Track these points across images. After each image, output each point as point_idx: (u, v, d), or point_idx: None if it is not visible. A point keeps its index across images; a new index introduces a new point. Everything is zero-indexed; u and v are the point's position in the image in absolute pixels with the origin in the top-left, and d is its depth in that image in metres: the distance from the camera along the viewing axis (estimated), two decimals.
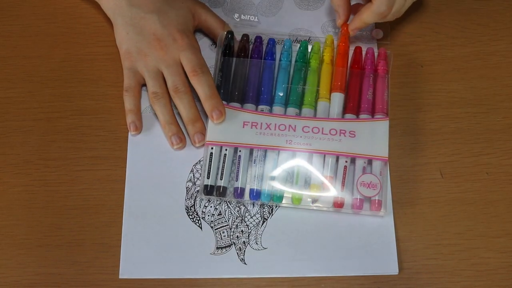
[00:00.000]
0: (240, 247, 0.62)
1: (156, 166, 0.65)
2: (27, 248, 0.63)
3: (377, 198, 0.62)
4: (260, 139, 0.63)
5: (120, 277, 0.61)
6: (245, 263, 0.61)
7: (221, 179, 0.63)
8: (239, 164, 0.63)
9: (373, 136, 0.63)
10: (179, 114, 0.66)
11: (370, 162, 0.63)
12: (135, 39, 0.66)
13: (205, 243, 0.62)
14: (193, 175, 0.65)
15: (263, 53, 0.68)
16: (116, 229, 0.63)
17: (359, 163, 0.63)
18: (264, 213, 0.63)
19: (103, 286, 0.61)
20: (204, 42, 0.71)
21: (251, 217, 0.63)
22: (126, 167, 0.65)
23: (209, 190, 0.62)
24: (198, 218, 0.63)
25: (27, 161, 0.66)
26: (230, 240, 0.62)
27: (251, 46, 0.69)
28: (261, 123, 0.64)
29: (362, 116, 0.65)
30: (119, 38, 0.67)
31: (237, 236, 0.63)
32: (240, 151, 0.64)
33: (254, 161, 0.63)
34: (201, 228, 0.63)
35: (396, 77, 0.69)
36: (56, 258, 0.62)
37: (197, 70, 0.64)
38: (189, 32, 0.68)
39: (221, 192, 0.63)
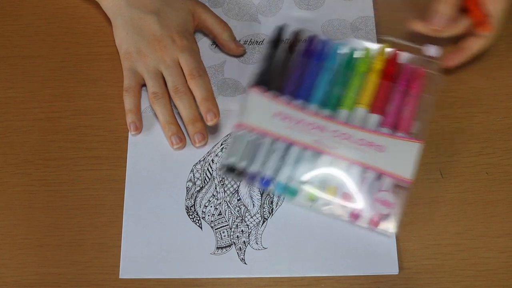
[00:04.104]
0: (240, 247, 0.62)
1: (156, 166, 0.65)
2: (27, 248, 0.63)
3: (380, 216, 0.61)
4: (288, 132, 0.63)
5: (121, 277, 0.61)
6: (245, 263, 0.62)
7: (247, 162, 0.63)
8: (262, 151, 0.63)
9: (400, 155, 0.62)
10: (179, 114, 0.66)
11: (388, 179, 0.62)
12: (135, 39, 0.66)
13: (205, 243, 0.62)
14: (193, 175, 0.65)
15: (313, 51, 0.68)
16: (116, 229, 0.63)
17: (379, 178, 0.62)
18: (264, 213, 0.63)
19: (103, 286, 0.61)
20: (204, 42, 0.72)
21: (251, 217, 0.63)
22: (126, 167, 0.65)
23: (229, 169, 0.63)
24: (198, 218, 0.63)
25: (27, 161, 0.66)
26: (230, 240, 0.62)
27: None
28: (293, 118, 0.64)
29: (396, 133, 0.63)
30: (119, 38, 0.67)
31: (237, 236, 0.63)
32: (270, 140, 0.63)
33: (276, 152, 0.63)
34: (201, 228, 0.63)
35: None
36: (56, 258, 0.62)
37: (195, 74, 0.65)
38: (188, 33, 0.68)
39: (240, 173, 0.63)
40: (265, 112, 0.64)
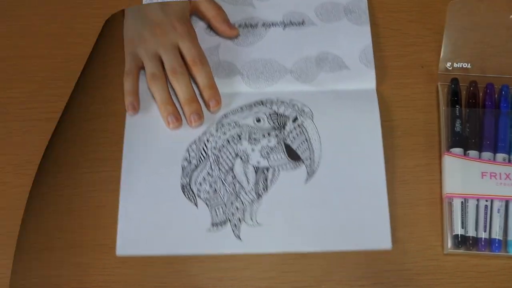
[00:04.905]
0: (235, 223, 0.63)
1: (152, 146, 0.66)
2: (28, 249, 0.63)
3: None
4: (502, 189, 0.62)
5: (117, 254, 0.61)
6: (240, 239, 0.62)
7: (475, 229, 0.61)
8: (482, 214, 0.62)
9: None
10: (175, 95, 0.67)
11: None
12: (138, 26, 0.69)
13: (201, 220, 0.63)
14: (189, 154, 0.66)
15: (495, 99, 0.66)
16: (117, 230, 0.63)
17: None
18: (259, 190, 0.64)
19: (105, 287, 0.61)
20: (200, 27, 0.73)
21: (246, 194, 0.64)
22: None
23: (460, 241, 0.61)
24: (193, 196, 0.64)
25: (28, 161, 0.66)
26: (226, 217, 0.63)
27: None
28: (500, 174, 0.62)
29: None
30: (125, 27, 0.70)
31: (232, 213, 0.63)
32: (488, 202, 0.62)
33: (498, 211, 0.61)
34: (196, 205, 0.63)
35: (396, 77, 0.70)
36: (56, 260, 0.62)
37: (197, 61, 0.67)
38: (187, 19, 0.71)
39: (471, 242, 0.61)
40: (472, 175, 0.62)
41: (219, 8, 0.72)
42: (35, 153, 0.66)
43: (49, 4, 0.74)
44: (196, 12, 0.73)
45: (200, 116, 0.66)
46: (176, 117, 0.67)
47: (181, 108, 0.67)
